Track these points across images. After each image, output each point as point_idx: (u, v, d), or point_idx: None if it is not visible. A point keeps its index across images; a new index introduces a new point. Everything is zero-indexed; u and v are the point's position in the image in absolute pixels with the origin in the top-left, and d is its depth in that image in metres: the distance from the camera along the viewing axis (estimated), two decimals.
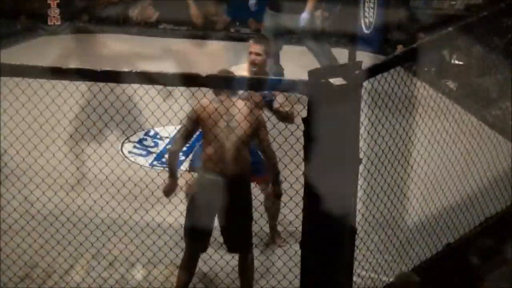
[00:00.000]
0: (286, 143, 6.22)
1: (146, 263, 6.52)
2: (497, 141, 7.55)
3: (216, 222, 6.28)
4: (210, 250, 6.38)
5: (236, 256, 6.36)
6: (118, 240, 6.59)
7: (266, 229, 7.07)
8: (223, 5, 10.58)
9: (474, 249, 6.66)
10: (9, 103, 6.68)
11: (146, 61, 8.09)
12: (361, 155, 5.55)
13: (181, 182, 6.60)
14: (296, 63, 8.71)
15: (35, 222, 6.60)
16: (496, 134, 7.90)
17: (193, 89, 5.86)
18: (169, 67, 7.57)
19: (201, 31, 10.12)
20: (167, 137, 8.17)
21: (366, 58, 5.54)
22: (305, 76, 5.32)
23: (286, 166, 6.50)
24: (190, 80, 5.48)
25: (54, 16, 9.98)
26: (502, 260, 6.74)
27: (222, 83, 5.79)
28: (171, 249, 6.47)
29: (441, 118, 6.61)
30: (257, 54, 7.21)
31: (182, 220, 6.71)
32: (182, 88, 6.58)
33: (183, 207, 6.77)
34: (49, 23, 9.97)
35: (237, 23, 10.26)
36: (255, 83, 5.72)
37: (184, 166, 7.74)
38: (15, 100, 6.65)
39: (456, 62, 8.94)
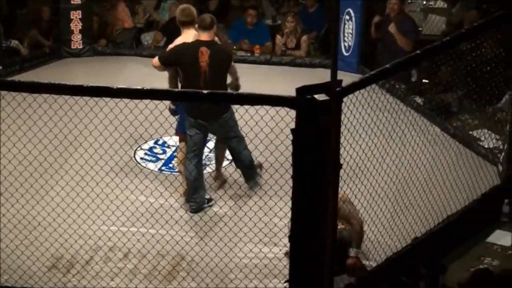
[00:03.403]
0: (277, 150, 6.19)
1: (155, 254, 6.47)
2: (457, 149, 7.55)
3: None
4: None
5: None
6: (131, 234, 6.54)
7: None
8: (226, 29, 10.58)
9: (438, 242, 6.64)
10: (38, 116, 6.67)
11: (156, 80, 8.04)
12: (341, 160, 5.53)
13: None
14: None
15: (60, 219, 6.56)
16: (456, 142, 7.87)
17: None
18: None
19: None
20: (173, 146, 8.14)
21: (345, 77, 5.47)
22: (293, 93, 5.33)
23: (276, 170, 6.49)
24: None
25: (76, 41, 9.97)
26: (461, 252, 6.71)
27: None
28: (177, 242, 6.42)
29: (409, 129, 6.59)
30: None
31: (187, 218, 6.71)
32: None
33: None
34: (72, 46, 9.95)
35: (234, 47, 10.22)
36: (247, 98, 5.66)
37: None
38: (43, 113, 6.63)
39: (423, 80, 8.92)
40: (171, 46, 7.40)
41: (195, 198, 7.18)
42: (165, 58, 7.22)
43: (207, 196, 7.29)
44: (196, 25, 7.22)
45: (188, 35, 7.33)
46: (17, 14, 10.38)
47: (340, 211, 5.99)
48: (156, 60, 7.26)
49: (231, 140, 7.33)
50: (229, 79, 7.40)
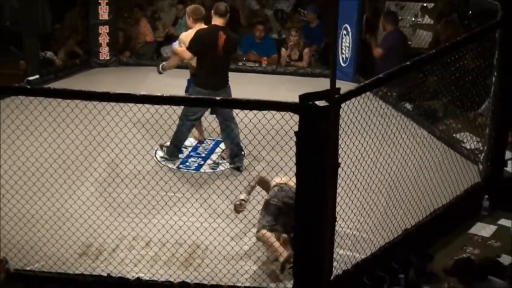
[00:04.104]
0: (282, 150, 6.23)
1: (174, 243, 6.50)
2: (443, 149, 7.57)
3: None
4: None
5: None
6: (153, 225, 6.58)
7: None
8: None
9: (425, 233, 6.65)
10: (70, 119, 6.73)
11: (173, 88, 8.08)
12: (339, 160, 5.56)
13: None
14: None
15: (90, 211, 6.60)
16: (442, 144, 7.87)
17: None
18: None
19: None
20: (190, 146, 8.14)
21: (343, 86, 5.50)
22: (296, 99, 5.37)
23: (282, 169, 6.51)
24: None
25: (104, 53, 9.99)
26: (446, 242, 6.72)
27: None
28: (193, 232, 6.45)
29: (400, 132, 6.59)
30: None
31: (202, 210, 6.73)
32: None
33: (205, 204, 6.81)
34: (100, 58, 9.97)
35: (244, 58, 10.25)
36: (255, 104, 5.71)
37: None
38: (75, 117, 6.68)
39: (414, 89, 8.91)
40: (185, 35, 7.81)
41: (177, 146, 7.83)
42: (195, 47, 7.59)
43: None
44: (212, 12, 7.62)
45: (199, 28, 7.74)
46: (53, 29, 10.44)
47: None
48: (186, 52, 7.62)
49: (229, 120, 7.70)
50: None
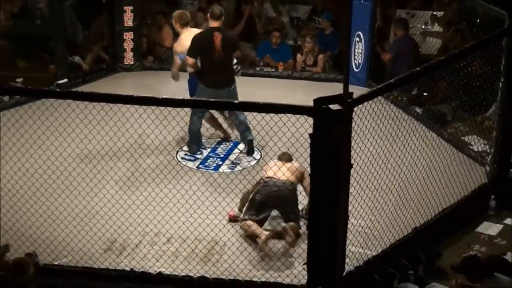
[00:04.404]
0: (297, 152, 6.21)
1: (194, 239, 6.49)
2: (451, 151, 7.53)
3: None
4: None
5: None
6: (173, 222, 6.56)
7: None
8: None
9: (434, 232, 6.62)
10: (97, 121, 6.74)
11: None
12: (352, 161, 5.53)
13: None
14: None
15: (114, 209, 6.60)
16: (450, 146, 7.82)
17: None
18: None
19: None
20: (208, 147, 8.12)
21: (355, 90, 5.47)
22: (311, 103, 5.35)
23: (296, 169, 6.48)
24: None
25: (128, 58, 9.97)
26: (454, 240, 6.69)
27: None
28: (212, 229, 6.44)
29: (410, 134, 6.57)
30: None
31: (220, 208, 6.71)
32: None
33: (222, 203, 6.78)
34: (125, 62, 9.95)
35: (262, 63, 10.22)
36: (272, 107, 5.71)
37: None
38: (101, 119, 6.68)
39: (423, 93, 8.87)
40: (180, 43, 7.98)
41: (193, 137, 7.89)
42: (193, 51, 7.66)
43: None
44: (208, 15, 7.79)
45: (190, 32, 7.88)
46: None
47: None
48: (189, 59, 7.70)
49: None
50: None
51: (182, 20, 8.01)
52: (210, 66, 7.62)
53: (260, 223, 6.53)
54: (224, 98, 7.43)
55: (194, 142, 7.95)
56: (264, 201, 6.53)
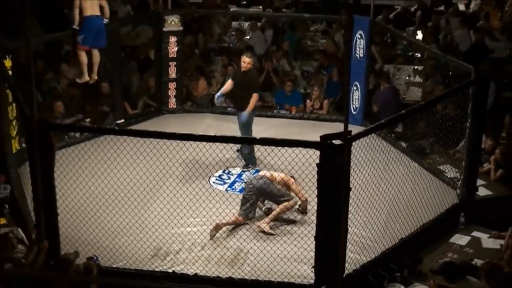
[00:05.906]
0: (307, 178, 6.21)
1: (222, 247, 6.48)
2: (429, 178, 7.50)
3: None
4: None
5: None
6: (207, 233, 6.56)
7: None
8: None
9: (416, 242, 6.58)
10: (146, 153, 6.73)
11: (224, 129, 8.11)
12: (351, 185, 5.54)
13: None
14: None
15: (159, 223, 6.59)
16: (429, 173, 7.78)
17: None
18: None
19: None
20: (235, 174, 8.14)
21: (354, 129, 5.49)
22: (318, 139, 5.39)
23: (306, 191, 6.48)
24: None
25: (172, 102, 10.01)
26: (432, 248, 6.65)
27: None
28: (237, 239, 6.42)
29: (397, 164, 6.57)
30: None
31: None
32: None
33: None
34: (169, 106, 10.00)
35: (278, 107, 10.24)
36: (286, 142, 5.74)
37: None
38: (149, 152, 6.73)
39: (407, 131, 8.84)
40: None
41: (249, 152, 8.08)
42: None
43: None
44: None
45: None
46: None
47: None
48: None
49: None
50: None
51: None
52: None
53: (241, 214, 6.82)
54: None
55: (250, 156, 8.12)
56: (245, 195, 6.89)
